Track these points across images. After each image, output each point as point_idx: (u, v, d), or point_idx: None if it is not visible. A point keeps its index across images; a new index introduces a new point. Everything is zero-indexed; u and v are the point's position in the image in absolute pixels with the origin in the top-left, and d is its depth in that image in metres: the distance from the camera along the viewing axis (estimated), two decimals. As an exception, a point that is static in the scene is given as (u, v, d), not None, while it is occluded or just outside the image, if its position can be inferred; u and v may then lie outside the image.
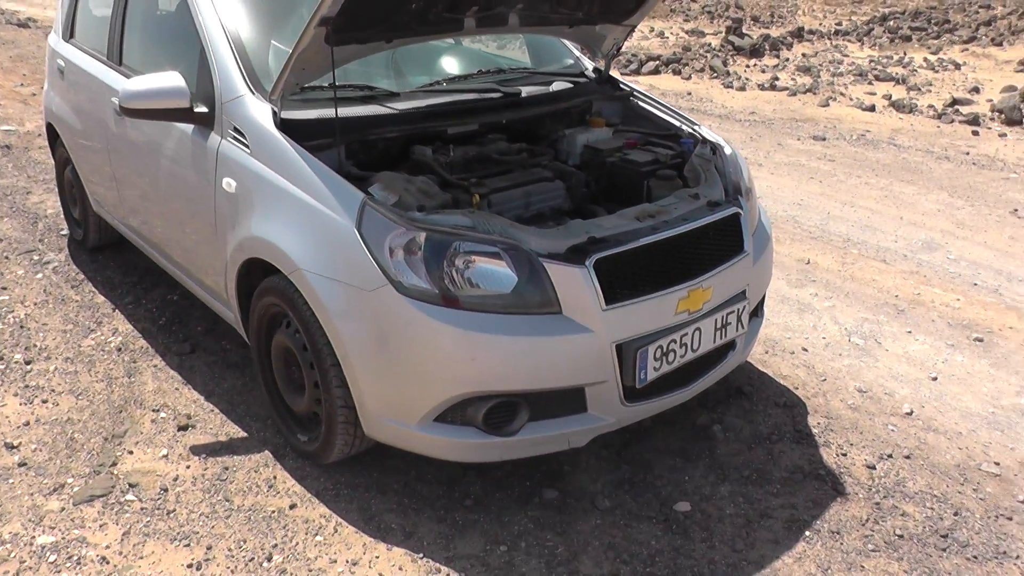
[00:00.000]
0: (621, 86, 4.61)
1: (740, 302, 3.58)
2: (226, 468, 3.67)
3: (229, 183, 3.66)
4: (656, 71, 12.85)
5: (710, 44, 14.54)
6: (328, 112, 3.53)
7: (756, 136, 9.43)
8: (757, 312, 4.01)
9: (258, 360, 3.85)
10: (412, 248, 3.07)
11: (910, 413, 4.17)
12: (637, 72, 12.78)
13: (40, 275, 5.51)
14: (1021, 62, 12.44)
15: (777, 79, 12.04)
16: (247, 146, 3.58)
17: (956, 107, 10.36)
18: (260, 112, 3.56)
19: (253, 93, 3.65)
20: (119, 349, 4.61)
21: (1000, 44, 14.13)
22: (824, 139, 9.31)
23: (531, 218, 3.64)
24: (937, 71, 12.53)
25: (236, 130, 3.64)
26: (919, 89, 11.45)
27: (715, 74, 12.53)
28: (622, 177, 3.92)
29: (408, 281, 3.05)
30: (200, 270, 4.18)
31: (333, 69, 3.38)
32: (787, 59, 13.54)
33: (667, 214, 3.45)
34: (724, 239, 3.57)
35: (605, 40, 4.48)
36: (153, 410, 4.07)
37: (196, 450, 3.79)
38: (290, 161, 3.40)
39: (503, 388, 3.10)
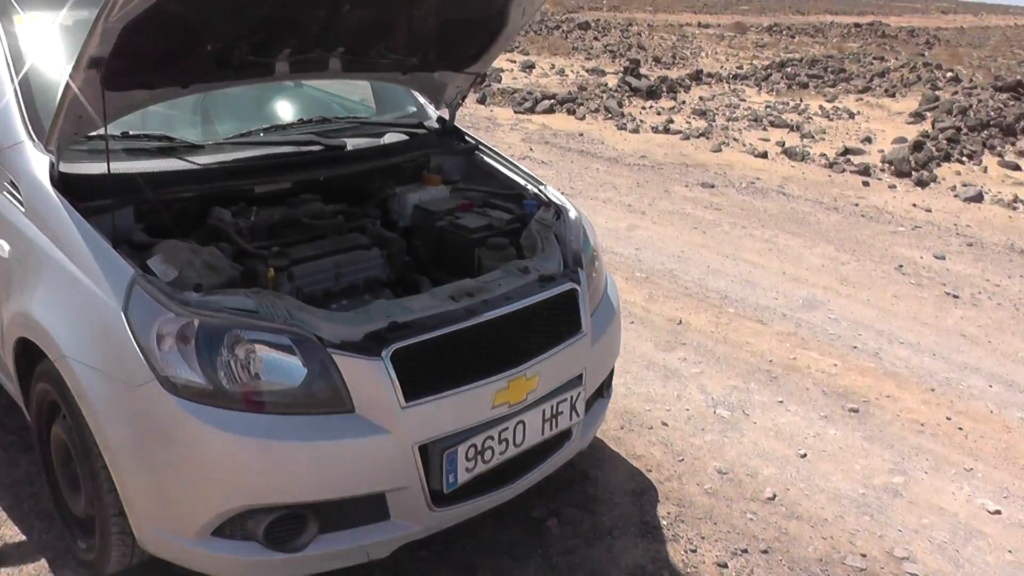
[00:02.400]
0: (466, 138, 4.22)
1: (575, 389, 3.19)
2: (-7, 582, 3.17)
3: (2, 246, 3.19)
4: (551, 110, 12.58)
5: (607, 84, 14.35)
6: (119, 167, 3.09)
7: (643, 182, 9.17)
8: (603, 392, 3.63)
9: (39, 451, 3.37)
10: (185, 336, 2.62)
11: (772, 498, 3.83)
12: (532, 111, 12.50)
13: None
14: (912, 114, 12.47)
15: (672, 122, 11.86)
16: (21, 203, 3.11)
17: (848, 156, 10.25)
18: (38, 163, 3.08)
19: (34, 140, 3.17)
20: (-101, 427, 4.07)
21: (893, 95, 14.22)
22: (713, 186, 9.08)
23: (342, 291, 3.23)
24: (832, 119, 12.49)
25: (12, 183, 3.17)
26: (813, 137, 11.36)
27: (609, 115, 12.31)
28: (450, 244, 3.53)
29: (179, 375, 2.60)
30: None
31: (105, 119, 2.91)
32: (683, 102, 13.42)
33: (488, 292, 3.05)
34: (557, 318, 3.17)
35: (447, 88, 4.09)
36: (-75, 503, 3.55)
37: (-38, 558, 3.27)
38: (62, 224, 2.93)
39: (286, 500, 2.67)
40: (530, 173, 4.06)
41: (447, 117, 4.26)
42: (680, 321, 5.62)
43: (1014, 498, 3.97)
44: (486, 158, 4.16)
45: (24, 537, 3.38)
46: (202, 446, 2.59)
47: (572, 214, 3.66)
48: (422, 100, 4.39)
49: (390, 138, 4.00)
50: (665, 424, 4.37)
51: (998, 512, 3.86)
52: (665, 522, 3.61)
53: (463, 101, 4.23)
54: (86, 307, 2.79)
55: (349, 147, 3.76)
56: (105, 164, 3.05)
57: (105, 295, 2.73)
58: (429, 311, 2.89)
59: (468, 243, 3.48)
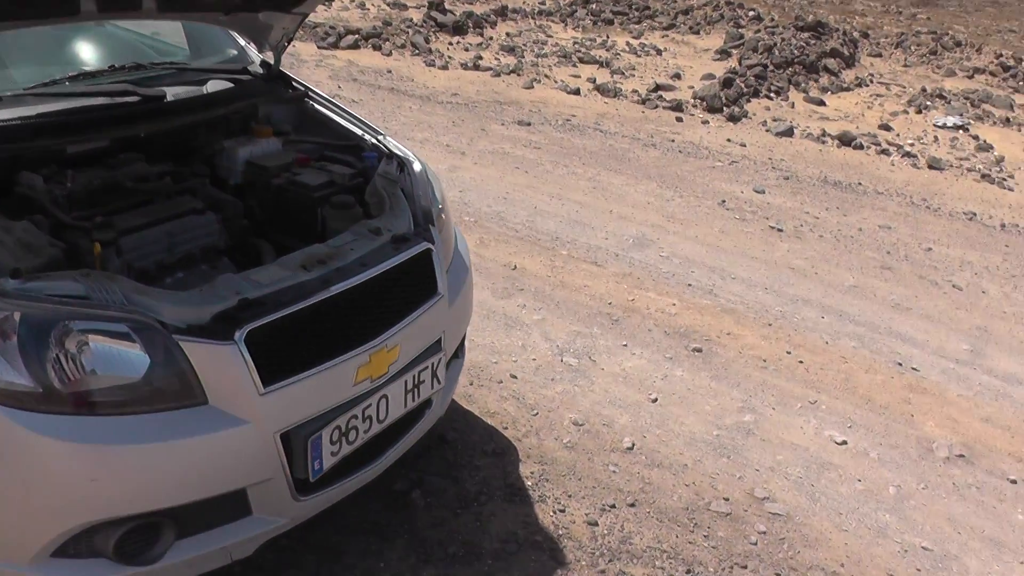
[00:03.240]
0: (294, 84, 3.90)
1: (435, 355, 3.00)
2: None
3: None
4: (355, 46, 12.08)
5: (412, 19, 13.96)
6: None
7: (459, 120, 8.95)
8: (457, 353, 3.46)
9: None
10: (5, 332, 2.28)
11: (632, 447, 3.78)
12: (335, 46, 11.99)
13: None
14: (718, 51, 12.68)
15: (481, 58, 11.63)
16: None
17: (659, 92, 10.30)
18: None
19: None
20: None
21: (697, 32, 14.42)
22: (529, 124, 8.96)
23: (177, 263, 2.92)
24: (640, 55, 12.55)
25: None
26: (623, 73, 11.37)
27: (417, 51, 11.96)
28: (290, 204, 3.25)
29: (1, 378, 2.26)
30: None
31: None
32: (491, 38, 13.19)
33: (341, 258, 2.81)
34: (412, 282, 2.96)
35: (272, 30, 3.74)
36: None
37: None
38: None
39: (136, 510, 2.38)
40: (366, 122, 3.80)
41: (272, 61, 3.92)
42: (515, 266, 5.50)
43: (857, 427, 4.08)
44: (317, 106, 3.86)
45: None
46: (32, 459, 2.27)
47: (416, 166, 3.44)
48: (242, 42, 4.02)
49: (213, 86, 3.63)
50: (514, 376, 4.25)
51: (845, 443, 3.96)
52: (530, 483, 3.50)
53: (289, 43, 3.90)
54: None
55: (169, 97, 3.37)
56: None
57: None
58: (281, 284, 2.63)
59: (310, 202, 3.22)
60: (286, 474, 2.56)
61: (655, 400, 4.16)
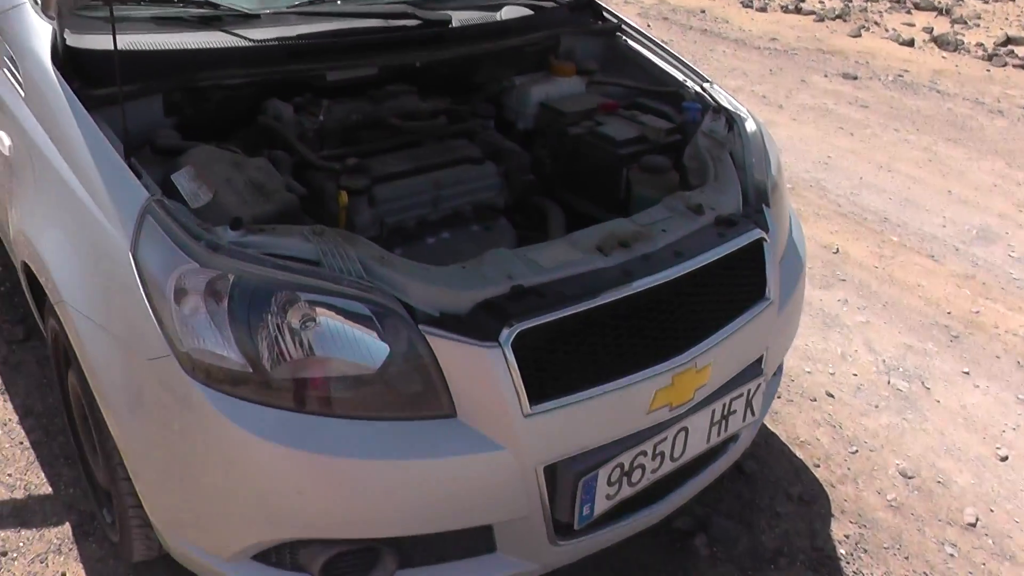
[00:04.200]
0: (605, 15, 3.25)
1: (754, 379, 2.29)
2: (3, 554, 2.47)
3: (2, 139, 2.45)
4: (668, -19, 11.38)
5: (730, -45, 13.00)
6: (146, 41, 2.30)
7: (776, 69, 8.04)
8: (776, 371, 2.73)
9: (61, 393, 2.65)
10: (216, 292, 1.79)
11: (975, 523, 2.92)
12: (644, -19, 11.32)
13: None
14: (1084, -1, 10.95)
15: (803, 0, 10.60)
16: (21, 85, 2.35)
17: (1010, 47, 8.89)
18: (41, 34, 2.30)
19: (37, 2, 2.38)
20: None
21: (1063, -27, 12.57)
22: (856, 78, 7.92)
23: (444, 221, 2.37)
24: (988, 1, 11.03)
25: (11, 58, 2.41)
26: (966, 23, 9.98)
27: (734, -10, 11.08)
28: (589, 160, 2.63)
29: (205, 349, 1.77)
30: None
31: None
32: (816, -22, 12.04)
33: (650, 241, 2.12)
34: (736, 281, 2.25)
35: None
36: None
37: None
38: (62, 118, 2.14)
39: (349, 535, 1.87)
40: (689, 64, 3.11)
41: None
42: (836, 249, 4.65)
43: None
44: (631, 42, 3.20)
45: (50, 491, 2.70)
46: (230, 453, 1.81)
47: (750, 125, 2.71)
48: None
49: (509, 12, 3.03)
50: (830, 395, 3.46)
51: None
52: (843, 550, 2.74)
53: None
54: (88, 239, 2.02)
55: (455, 23, 2.81)
56: (133, 36, 2.31)
57: (111, 225, 1.94)
58: (568, 269, 1.99)
59: (614, 160, 2.58)
60: (545, 515, 1.97)
61: (1005, 458, 3.26)
